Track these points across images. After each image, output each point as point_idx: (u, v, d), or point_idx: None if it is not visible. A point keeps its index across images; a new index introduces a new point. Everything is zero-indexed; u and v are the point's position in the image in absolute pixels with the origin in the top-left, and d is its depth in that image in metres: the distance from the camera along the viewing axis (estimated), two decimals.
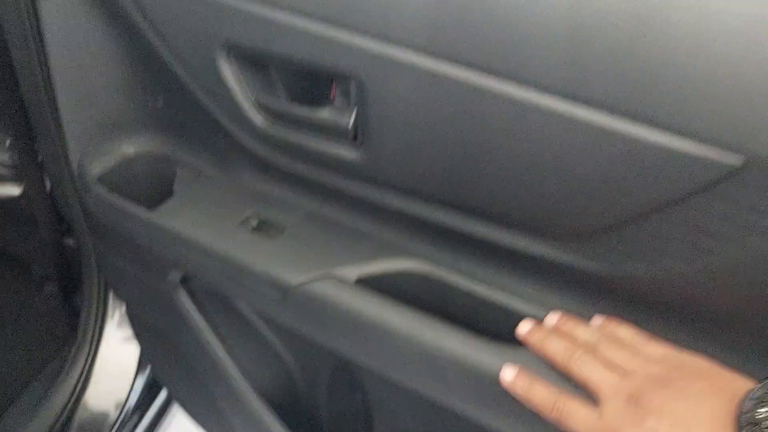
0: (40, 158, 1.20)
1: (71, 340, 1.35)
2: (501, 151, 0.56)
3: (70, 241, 1.34)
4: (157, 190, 0.94)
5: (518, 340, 0.62)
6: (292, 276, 0.72)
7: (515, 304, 0.68)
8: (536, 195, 0.58)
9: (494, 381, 0.60)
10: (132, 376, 1.29)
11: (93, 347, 1.27)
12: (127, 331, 1.28)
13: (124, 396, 1.28)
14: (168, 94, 0.85)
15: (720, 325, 0.59)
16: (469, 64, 0.53)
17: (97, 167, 0.92)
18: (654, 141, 0.48)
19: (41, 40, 0.84)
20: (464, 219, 0.66)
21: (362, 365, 0.74)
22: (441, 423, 0.83)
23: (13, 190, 1.27)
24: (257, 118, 0.72)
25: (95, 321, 1.27)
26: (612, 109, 0.49)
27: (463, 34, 0.52)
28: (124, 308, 1.27)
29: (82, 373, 1.25)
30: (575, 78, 0.49)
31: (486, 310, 0.68)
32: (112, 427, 1.26)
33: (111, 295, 1.27)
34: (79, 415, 1.25)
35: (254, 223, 0.81)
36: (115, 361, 1.29)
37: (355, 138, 0.66)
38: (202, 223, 0.80)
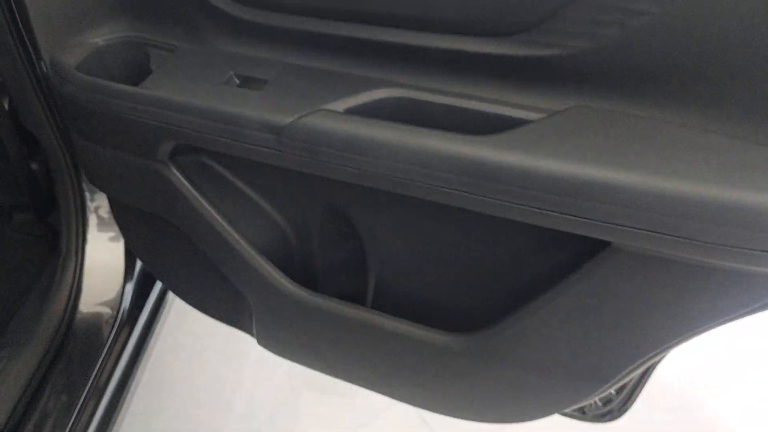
0: None
1: (53, 259, 1.39)
2: None
3: (34, 165, 1.37)
4: (133, 74, 0.99)
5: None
6: (284, 116, 0.80)
7: (481, 107, 0.78)
8: None
9: (486, 168, 0.71)
10: (121, 276, 1.35)
11: (79, 257, 1.32)
12: (109, 234, 1.33)
13: (117, 298, 1.35)
14: None
15: (657, 87, 0.70)
16: None
17: (70, 59, 0.95)
18: None
19: None
20: (430, 35, 0.75)
21: (357, 194, 0.84)
22: (434, 264, 0.94)
23: None
24: None
25: (77, 231, 1.31)
26: None
27: None
28: (103, 213, 1.32)
29: (72, 283, 1.31)
30: None
31: (461, 119, 0.79)
32: (111, 330, 1.33)
33: (88, 204, 1.31)
34: (77, 325, 1.31)
35: (237, 81, 0.88)
36: (103, 266, 1.34)
37: None
38: (187, 88, 0.87)
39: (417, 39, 0.76)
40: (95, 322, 1.31)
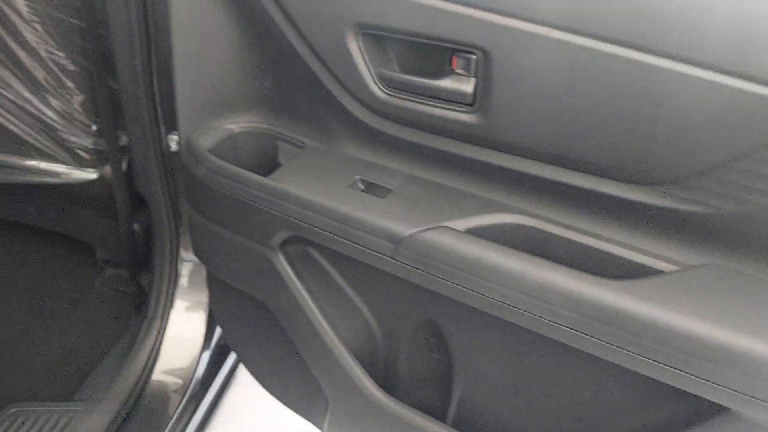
0: (121, 143, 1.30)
1: (138, 318, 1.43)
2: (611, 108, 0.68)
3: (136, 226, 1.43)
4: (260, 163, 1.04)
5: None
6: (405, 227, 0.83)
7: (614, 250, 0.78)
8: (637, 144, 0.69)
9: (605, 312, 0.71)
10: (199, 346, 1.37)
11: (163, 322, 1.36)
12: (194, 303, 1.37)
13: (192, 366, 1.37)
14: (279, 74, 0.96)
15: None
16: (596, 35, 0.64)
17: (205, 142, 1.02)
18: (750, 91, 0.60)
19: (167, 23, 0.94)
20: (568, 172, 0.77)
21: (462, 315, 0.84)
22: (524, 393, 0.92)
23: (90, 174, 1.36)
24: (377, 90, 0.83)
25: (166, 296, 1.35)
26: (720, 69, 0.60)
27: (589, 6, 0.64)
28: (192, 282, 1.36)
29: (153, 346, 1.34)
30: (693, 43, 0.61)
31: (586, 257, 0.79)
32: (182, 397, 1.34)
33: (181, 272, 1.36)
34: (151, 388, 1.32)
35: (361, 185, 0.91)
36: (183, 333, 1.37)
37: (472, 104, 0.77)
38: (312, 185, 0.91)
39: (549, 173, 0.78)
40: (168, 387, 1.33)
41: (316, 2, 0.81)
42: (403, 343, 1.04)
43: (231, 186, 0.96)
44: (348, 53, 0.81)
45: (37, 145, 1.29)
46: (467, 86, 0.76)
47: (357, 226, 0.85)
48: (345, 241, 0.88)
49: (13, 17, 1.09)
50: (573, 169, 0.76)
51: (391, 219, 0.84)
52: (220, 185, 0.97)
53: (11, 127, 1.26)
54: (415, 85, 0.80)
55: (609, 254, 0.77)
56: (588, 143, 0.72)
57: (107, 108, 1.23)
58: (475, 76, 0.75)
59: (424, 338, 1.02)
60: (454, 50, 0.76)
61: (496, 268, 0.77)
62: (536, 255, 0.78)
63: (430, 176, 0.91)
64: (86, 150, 1.32)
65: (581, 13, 0.64)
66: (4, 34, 1.11)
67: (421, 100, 0.81)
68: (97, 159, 1.34)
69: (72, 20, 1.14)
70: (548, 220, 0.81)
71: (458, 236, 0.80)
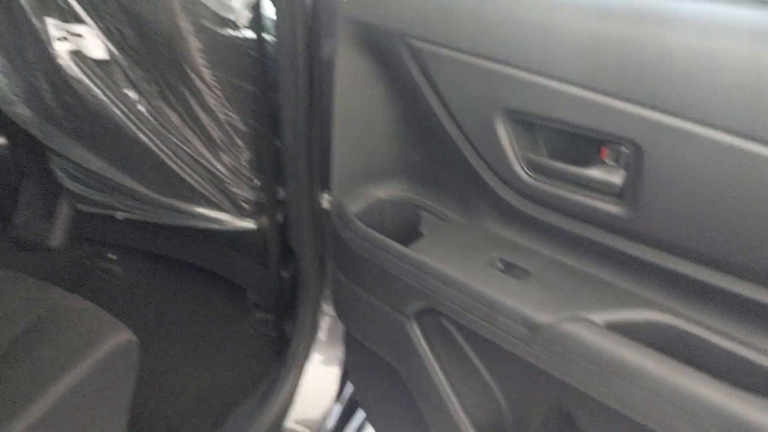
0: (279, 197, 1.39)
1: (278, 363, 1.50)
2: None
3: (285, 275, 1.52)
4: (403, 230, 1.07)
5: None
6: (543, 314, 0.81)
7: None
8: None
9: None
10: (331, 400, 1.41)
11: (300, 371, 1.41)
12: (330, 357, 1.41)
13: (321, 419, 1.41)
14: (427, 148, 0.99)
15: None
16: (759, 139, 0.60)
17: (353, 207, 1.07)
18: None
19: (330, 93, 1.00)
20: (723, 275, 0.71)
21: (598, 410, 0.80)
22: None
23: (249, 224, 1.47)
24: (523, 174, 0.83)
25: (305, 346, 1.41)
26: None
27: (750, 109, 0.60)
28: (331, 336, 1.41)
29: (288, 395, 1.39)
30: None
31: (740, 370, 0.73)
32: None
33: (321, 326, 1.41)
34: None
35: (500, 264, 0.91)
36: (318, 385, 1.42)
37: (620, 196, 0.75)
38: (450, 260, 0.92)
39: (702, 274, 0.73)
40: None
41: (467, 85, 0.83)
42: (533, 427, 1.01)
43: (373, 252, 0.99)
44: (495, 136, 0.83)
45: (207, 194, 1.42)
46: (616, 177, 0.74)
47: (492, 306, 0.85)
48: (479, 320, 0.88)
49: (199, 83, 1.22)
50: (729, 273, 0.71)
51: (528, 304, 0.82)
52: (363, 250, 1.01)
53: (187, 177, 1.39)
54: (561, 172, 0.80)
55: (761, 366, 0.71)
56: (746, 248, 0.67)
57: (270, 165, 1.33)
58: (625, 169, 0.73)
59: (555, 426, 0.98)
60: (603, 140, 0.75)
61: (638, 371, 0.73)
62: (683, 360, 0.72)
63: (571, 262, 0.88)
64: (248, 202, 1.43)
65: (742, 115, 0.61)
66: (190, 99, 1.24)
67: (567, 187, 0.80)
68: (257, 210, 1.44)
69: (248, 86, 1.25)
70: (698, 324, 0.76)
71: (597, 331, 0.77)
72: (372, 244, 0.99)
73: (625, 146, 0.72)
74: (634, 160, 0.70)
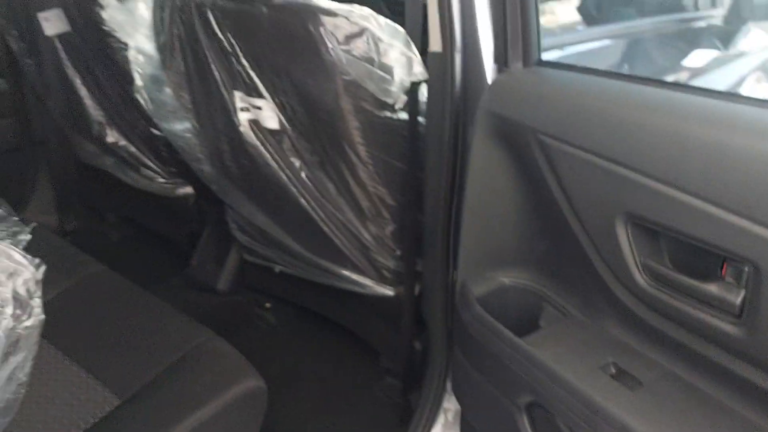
0: (417, 268, 1.45)
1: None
2: None
3: (417, 345, 1.55)
4: (523, 319, 1.07)
5: None
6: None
7: None
8: None
9: None
10: None
11: None
12: None
13: None
14: (553, 240, 0.99)
15: None
16: None
17: (477, 289, 1.09)
18: None
19: (461, 179, 1.05)
20: None
21: None
22: None
23: (388, 291, 1.54)
24: (641, 279, 0.81)
25: (427, 422, 1.42)
26: None
27: None
28: (451, 414, 1.40)
29: None
30: None
31: None
32: None
33: (444, 404, 1.42)
34: None
35: (613, 369, 0.88)
36: None
37: (738, 316, 0.70)
38: (563, 358, 0.90)
39: None
40: None
41: (591, 185, 0.83)
42: None
43: (488, 337, 1.00)
44: (616, 238, 0.81)
45: (353, 259, 1.52)
46: (735, 297, 0.70)
47: (598, 413, 0.82)
48: (583, 424, 0.85)
49: (354, 158, 1.32)
50: None
51: (637, 420, 0.78)
52: (480, 334, 1.02)
53: (337, 241, 1.50)
54: (679, 283, 0.76)
55: None
56: None
57: (411, 238, 1.40)
58: (745, 288, 0.68)
59: None
60: (725, 256, 0.71)
61: None
62: None
63: (687, 376, 0.83)
64: (389, 270, 1.50)
65: None
66: (345, 171, 1.36)
67: (685, 300, 0.77)
68: (396, 279, 1.50)
69: (397, 163, 1.34)
70: None
71: None
72: (488, 330, 1.00)
73: (746, 265, 0.67)
74: (754, 280, 0.66)
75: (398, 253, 1.47)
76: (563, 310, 1.01)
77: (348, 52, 1.20)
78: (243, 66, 1.34)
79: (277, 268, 1.76)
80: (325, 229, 1.49)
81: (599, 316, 0.95)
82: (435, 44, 1.16)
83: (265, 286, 1.94)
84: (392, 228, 1.43)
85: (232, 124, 1.45)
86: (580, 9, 1.88)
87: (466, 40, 1.12)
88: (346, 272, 1.57)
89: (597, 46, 1.77)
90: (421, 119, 1.28)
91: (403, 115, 1.29)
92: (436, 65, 1.17)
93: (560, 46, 1.52)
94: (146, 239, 2.29)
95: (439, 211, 1.21)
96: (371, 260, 1.50)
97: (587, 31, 1.89)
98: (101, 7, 1.62)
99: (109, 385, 1.11)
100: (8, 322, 1.39)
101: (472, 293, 1.07)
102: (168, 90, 1.57)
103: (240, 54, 1.33)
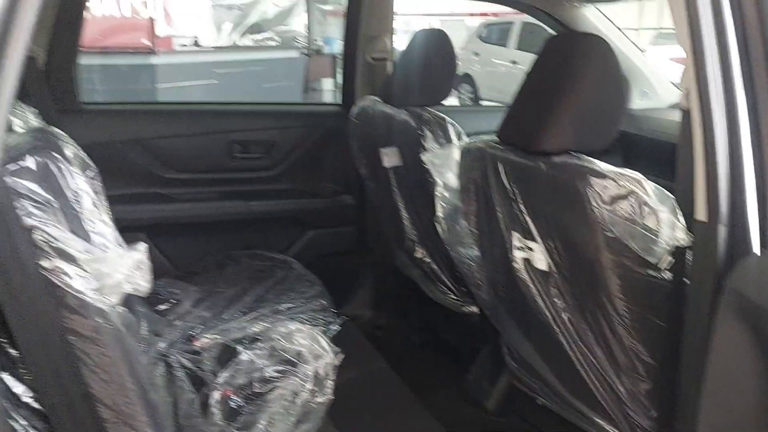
0: None
1: None
2: None
3: None
4: None
5: None
6: None
7: None
8: None
9: None
10: None
11: None
12: None
13: None
14: None
15: None
16: None
17: None
18: None
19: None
20: None
21: None
22: None
23: None
24: None
25: None
26: None
27: None
28: None
29: None
30: None
31: None
32: None
33: None
34: None
35: None
36: None
37: None
38: None
39: None
40: None
41: None
42: None
43: None
44: None
45: (607, 408, 1.51)
46: None
47: None
48: None
49: (610, 309, 1.36)
50: None
51: None
52: None
53: (592, 387, 1.52)
54: None
55: None
56: None
57: (667, 400, 1.35)
58: None
59: None
60: None
61: None
62: None
63: None
64: (643, 429, 1.45)
65: None
66: (602, 320, 1.39)
67: None
68: None
69: (656, 321, 1.33)
70: None
71: None
72: None
73: None
74: None
75: (654, 414, 1.42)
76: None
77: (612, 211, 1.27)
78: (521, 211, 1.51)
79: (540, 400, 1.81)
80: (582, 372, 1.52)
81: None
82: (700, 213, 1.17)
83: (528, 416, 1.99)
84: (647, 386, 1.40)
85: (508, 260, 1.60)
86: None
87: (732, 212, 1.12)
88: (599, 420, 1.56)
89: None
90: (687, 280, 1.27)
91: (666, 275, 1.29)
92: (700, 234, 1.17)
93: None
94: (439, 345, 2.54)
95: (691, 377, 1.17)
96: (625, 414, 1.47)
97: None
98: (425, 150, 1.96)
99: None
100: (307, 396, 1.73)
101: None
102: (462, 222, 1.81)
103: (519, 200, 1.51)
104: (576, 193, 1.31)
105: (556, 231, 1.43)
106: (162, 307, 2.21)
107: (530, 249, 1.54)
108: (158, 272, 2.37)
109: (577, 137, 1.40)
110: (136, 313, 1.56)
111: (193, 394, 1.70)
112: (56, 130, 1.16)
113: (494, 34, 11.94)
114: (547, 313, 1.55)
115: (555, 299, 1.52)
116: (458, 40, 13.80)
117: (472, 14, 14.98)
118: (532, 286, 1.57)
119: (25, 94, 2.28)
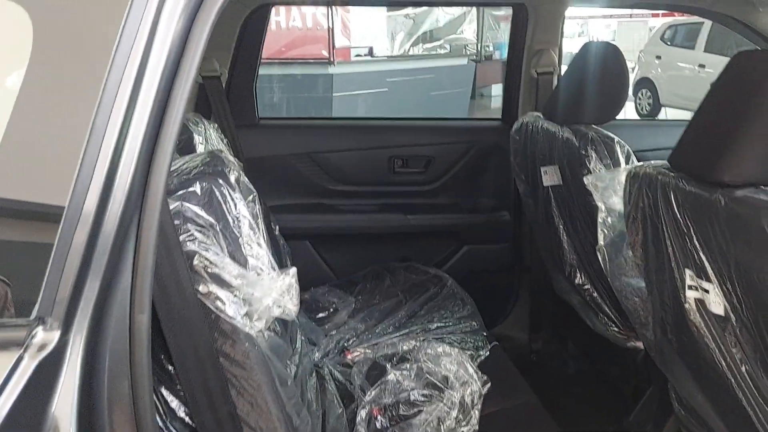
0: None
1: None
2: None
3: None
4: None
5: None
6: None
7: None
8: None
9: None
10: None
11: None
12: None
13: None
14: None
15: None
16: None
17: None
18: None
19: None
20: None
21: None
22: None
23: None
24: None
25: None
26: None
27: None
28: None
29: None
30: None
31: None
32: None
33: None
34: None
35: None
36: None
37: None
38: None
39: None
40: None
41: None
42: None
43: None
44: None
45: None
46: None
47: None
48: None
49: None
50: None
51: None
52: None
53: None
54: None
55: None
56: None
57: None
58: None
59: None
60: None
61: None
62: None
63: None
64: None
65: None
66: None
67: None
68: None
69: None
70: None
71: None
72: None
73: None
74: None
75: None
76: None
77: None
78: (695, 247, 1.36)
79: None
80: (758, 426, 1.34)
81: None
82: None
83: None
84: None
85: (679, 300, 1.45)
86: None
87: None
88: None
89: None
90: None
91: None
92: None
93: None
94: (596, 379, 2.38)
95: None
96: None
97: None
98: (589, 171, 1.85)
99: None
100: (451, 423, 1.69)
101: None
102: (627, 252, 1.67)
103: (693, 235, 1.36)
104: (761, 232, 1.16)
105: (735, 272, 1.27)
106: (320, 315, 2.30)
107: (705, 290, 1.38)
108: (319, 280, 2.49)
109: (764, 169, 1.24)
110: (294, 323, 1.62)
111: (340, 408, 1.74)
112: (225, 155, 1.22)
113: (679, 36, 11.06)
114: (723, 363, 1.38)
115: (733, 349, 1.35)
116: (638, 42, 13.01)
117: (654, 15, 14.01)
118: (706, 330, 1.40)
119: (208, 110, 2.50)
